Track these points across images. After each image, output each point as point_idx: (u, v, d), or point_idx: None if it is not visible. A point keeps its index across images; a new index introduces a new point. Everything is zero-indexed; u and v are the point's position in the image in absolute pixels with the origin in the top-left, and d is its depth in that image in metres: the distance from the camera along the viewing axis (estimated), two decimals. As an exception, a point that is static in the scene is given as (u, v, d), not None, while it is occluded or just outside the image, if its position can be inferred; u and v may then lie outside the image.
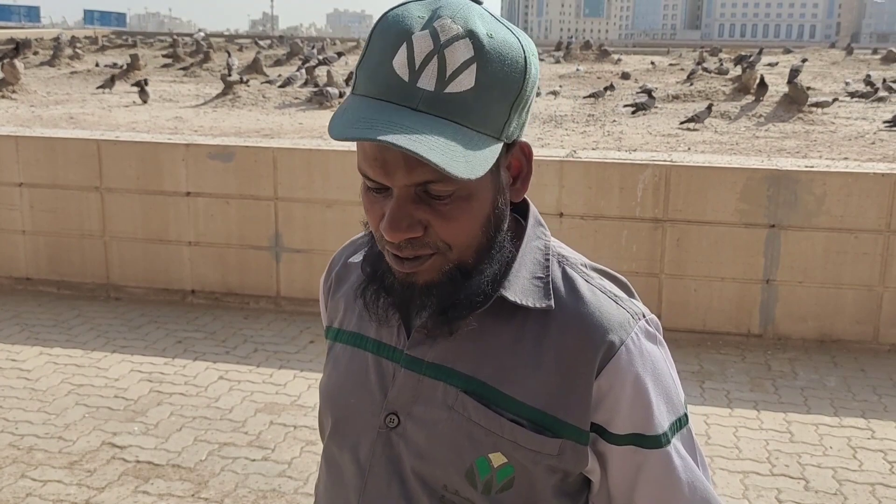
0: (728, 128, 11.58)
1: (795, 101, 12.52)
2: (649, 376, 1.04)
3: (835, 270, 5.29)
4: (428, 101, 0.90)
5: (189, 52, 25.64)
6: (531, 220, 1.08)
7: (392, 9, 0.95)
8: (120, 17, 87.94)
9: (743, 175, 5.29)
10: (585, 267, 1.09)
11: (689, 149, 9.63)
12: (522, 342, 1.04)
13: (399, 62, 0.90)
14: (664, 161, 5.45)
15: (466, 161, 0.89)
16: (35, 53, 23.09)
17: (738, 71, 17.69)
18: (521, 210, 1.10)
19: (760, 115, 12.39)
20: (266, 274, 6.00)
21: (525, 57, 0.94)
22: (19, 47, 21.43)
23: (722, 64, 20.96)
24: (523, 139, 1.01)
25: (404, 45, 0.90)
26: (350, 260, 1.20)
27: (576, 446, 1.03)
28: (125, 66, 18.43)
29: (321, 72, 17.51)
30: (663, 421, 1.04)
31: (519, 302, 1.02)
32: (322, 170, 5.77)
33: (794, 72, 15.07)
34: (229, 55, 20.76)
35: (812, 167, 5.37)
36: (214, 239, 6.01)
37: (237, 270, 6.03)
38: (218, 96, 14.30)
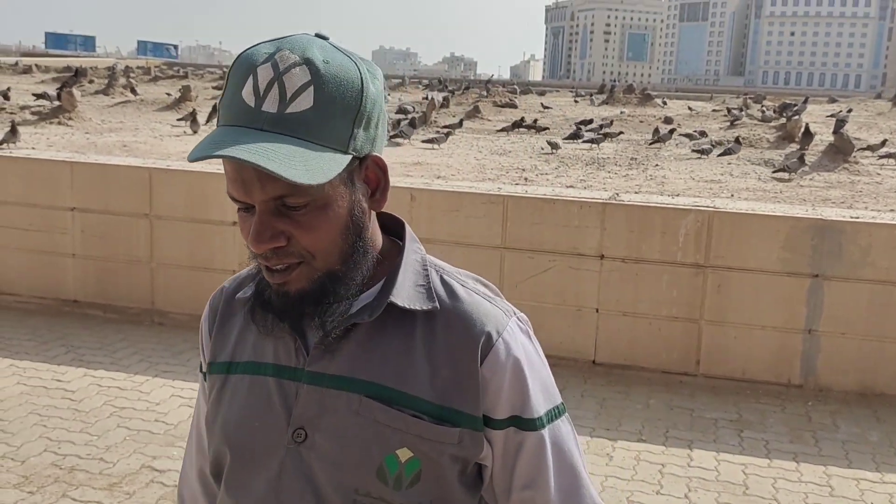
0: (772, 175, 11.52)
1: (841, 150, 12.43)
2: (525, 365, 1.14)
3: (879, 323, 5.22)
4: (271, 121, 1.00)
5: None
6: (408, 238, 1.19)
7: (245, 50, 1.06)
8: (172, 49, 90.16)
9: (786, 224, 5.27)
10: (459, 274, 1.21)
11: (732, 195, 9.59)
12: (413, 344, 1.13)
13: (246, 92, 1.01)
14: (707, 207, 5.45)
15: (306, 168, 0.98)
16: (90, 82, 23.74)
17: (782, 119, 17.59)
18: (397, 232, 1.21)
19: (805, 164, 12.30)
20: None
21: (361, 78, 1.05)
22: (78, 74, 22.07)
23: (765, 112, 20.87)
24: (376, 154, 1.10)
25: (250, 76, 1.01)
26: (238, 296, 1.25)
27: (472, 433, 1.13)
28: (178, 97, 18.86)
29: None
30: (539, 406, 1.15)
31: (407, 306, 1.12)
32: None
33: (840, 122, 14.96)
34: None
35: (857, 218, 5.33)
36: (258, 269, 6.10)
37: (279, 301, 6.10)
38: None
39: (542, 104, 24.38)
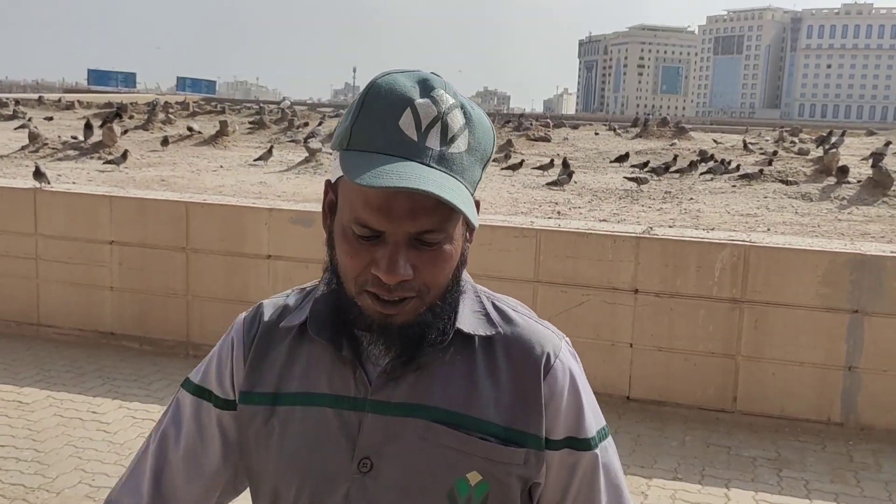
0: (809, 209, 11.39)
1: (881, 184, 12.26)
2: (579, 386, 1.20)
3: (922, 360, 5.10)
4: (437, 158, 1.04)
5: (274, 119, 26.57)
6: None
7: (380, 77, 1.07)
8: (210, 85, 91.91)
9: (825, 258, 5.19)
10: (509, 300, 1.25)
11: (768, 229, 9.49)
12: (476, 368, 1.16)
13: (405, 123, 1.03)
14: (743, 241, 5.39)
15: (471, 208, 1.05)
16: (130, 117, 24.22)
17: (819, 152, 17.42)
18: None
19: (843, 198, 12.15)
20: (340, 338, 6.07)
21: (492, 128, 1.13)
22: (119, 111, 22.55)
23: (795, 143, 20.66)
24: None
25: (408, 109, 1.03)
26: (282, 325, 1.23)
27: (537, 453, 1.16)
28: (215, 132, 19.16)
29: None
30: (592, 426, 1.20)
31: (472, 332, 1.16)
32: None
33: (879, 155, 14.77)
34: (320, 123, 21.41)
35: (898, 253, 5.24)
36: (292, 302, 6.13)
37: (312, 334, 6.12)
38: (301, 163, 14.74)
39: (563, 136, 24.44)
